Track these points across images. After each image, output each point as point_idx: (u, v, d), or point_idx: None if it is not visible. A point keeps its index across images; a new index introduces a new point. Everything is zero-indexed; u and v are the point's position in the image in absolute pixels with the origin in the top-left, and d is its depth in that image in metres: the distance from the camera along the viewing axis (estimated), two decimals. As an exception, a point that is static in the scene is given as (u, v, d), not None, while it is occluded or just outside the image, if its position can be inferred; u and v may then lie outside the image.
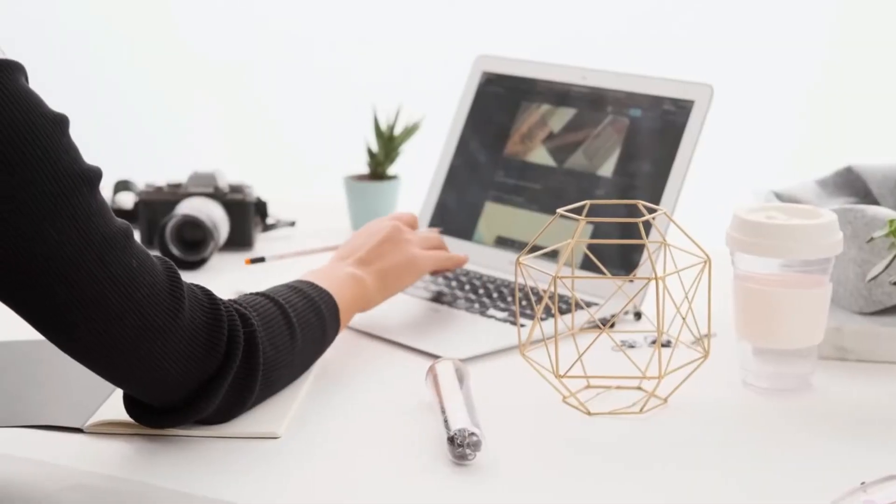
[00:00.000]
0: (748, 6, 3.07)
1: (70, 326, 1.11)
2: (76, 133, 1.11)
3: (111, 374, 1.16)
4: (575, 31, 3.15)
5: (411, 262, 1.51)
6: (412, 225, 1.58)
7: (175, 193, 1.86)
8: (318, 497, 1.13)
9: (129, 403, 1.21)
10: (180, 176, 1.89)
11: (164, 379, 1.16)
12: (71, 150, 1.09)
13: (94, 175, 1.11)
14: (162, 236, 1.78)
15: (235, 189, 1.88)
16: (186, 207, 1.82)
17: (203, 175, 1.88)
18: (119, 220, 1.13)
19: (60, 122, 1.09)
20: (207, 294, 1.20)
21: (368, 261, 1.47)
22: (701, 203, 2.00)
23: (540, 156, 1.74)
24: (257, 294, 1.29)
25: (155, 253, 1.19)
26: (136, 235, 1.87)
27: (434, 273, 1.61)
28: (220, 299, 1.21)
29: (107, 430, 1.23)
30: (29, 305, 1.10)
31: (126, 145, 3.51)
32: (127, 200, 1.93)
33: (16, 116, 1.05)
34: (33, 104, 1.07)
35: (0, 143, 1.04)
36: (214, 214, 1.82)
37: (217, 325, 1.18)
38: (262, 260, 1.57)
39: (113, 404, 1.26)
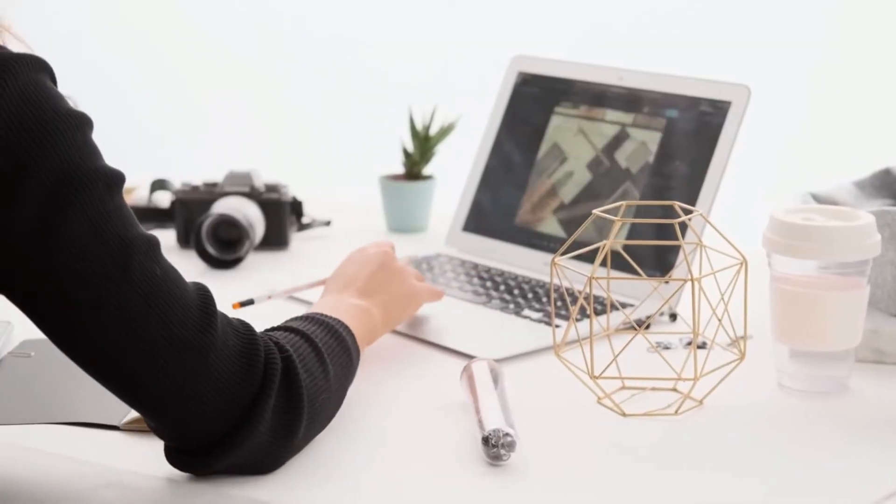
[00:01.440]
0: (758, 4, 3.06)
1: (87, 333, 1.06)
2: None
3: (139, 399, 1.10)
4: (612, 31, 3.15)
5: (411, 294, 1.47)
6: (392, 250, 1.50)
7: (211, 192, 1.87)
8: (353, 496, 1.13)
9: (169, 452, 1.14)
10: (216, 175, 1.90)
11: (194, 405, 1.09)
12: (86, 148, 1.05)
13: (114, 176, 1.07)
14: (198, 235, 1.78)
15: (271, 188, 1.88)
16: (222, 206, 1.83)
17: (239, 174, 1.88)
18: (145, 231, 1.09)
19: (77, 120, 1.05)
20: (243, 323, 1.14)
21: (369, 292, 1.41)
22: (739, 204, 1.99)
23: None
24: (275, 329, 1.23)
25: (193, 281, 1.13)
26: (172, 234, 1.89)
27: None
28: (255, 330, 1.15)
29: (143, 427, 1.23)
30: (41, 309, 1.06)
31: (162, 145, 3.52)
32: (163, 199, 1.94)
33: (25, 110, 1.02)
34: (46, 99, 1.04)
35: (7, 136, 1.02)
36: (250, 214, 1.83)
37: (253, 349, 1.12)
38: (251, 302, 1.49)
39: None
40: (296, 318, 1.27)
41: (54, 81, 1.07)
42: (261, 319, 1.23)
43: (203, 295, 1.11)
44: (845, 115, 3.00)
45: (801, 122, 3.00)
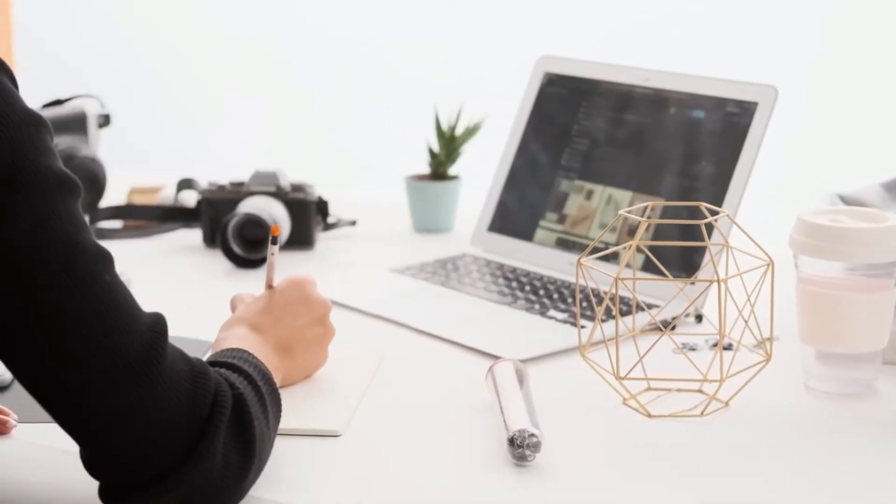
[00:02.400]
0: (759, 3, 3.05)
1: (20, 334, 1.00)
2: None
3: (72, 409, 1.02)
4: (639, 32, 3.14)
5: (318, 364, 1.36)
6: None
7: (237, 192, 1.87)
8: (377, 496, 1.13)
9: (103, 492, 1.06)
10: (242, 175, 1.90)
11: (130, 426, 1.02)
12: (40, 145, 1.01)
13: (68, 180, 1.02)
14: (224, 234, 1.79)
15: (297, 188, 1.89)
16: (248, 206, 1.83)
17: (265, 174, 1.88)
18: (100, 245, 1.03)
19: (33, 118, 1.01)
20: (198, 359, 1.08)
21: (289, 350, 1.30)
22: (766, 205, 1.99)
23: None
24: (224, 365, 1.13)
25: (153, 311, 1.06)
26: (199, 234, 1.89)
27: None
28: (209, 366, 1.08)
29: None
30: None
31: (188, 146, 3.53)
32: (190, 199, 1.95)
33: None
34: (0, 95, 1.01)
35: None
36: (276, 213, 1.83)
37: (202, 379, 1.05)
38: None
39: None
40: (231, 352, 1.17)
41: (14, 83, 1.04)
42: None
43: (156, 317, 1.05)
44: (845, 114, 2.99)
45: (801, 122, 2.99)
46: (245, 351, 1.18)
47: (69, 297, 1.00)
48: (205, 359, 1.16)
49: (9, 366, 1.04)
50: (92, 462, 1.05)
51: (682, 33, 3.07)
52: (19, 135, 1.00)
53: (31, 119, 1.02)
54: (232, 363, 1.13)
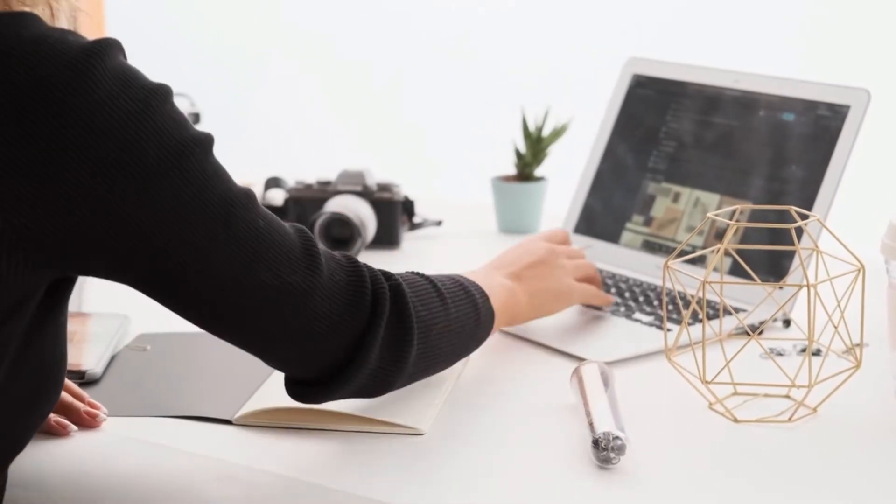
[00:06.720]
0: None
1: (201, 294, 1.10)
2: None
3: (257, 344, 1.15)
4: (722, 33, 3.12)
5: (564, 292, 1.48)
6: (565, 242, 1.54)
7: (324, 191, 1.89)
8: (461, 496, 1.14)
9: (289, 384, 1.20)
10: (330, 174, 1.91)
11: (310, 342, 1.14)
12: (178, 117, 1.07)
13: (206, 139, 1.09)
14: (311, 233, 1.80)
15: (383, 187, 1.89)
16: (335, 205, 1.84)
17: (352, 173, 1.89)
18: (240, 185, 1.11)
19: (164, 92, 1.07)
20: (346, 256, 1.19)
21: (522, 277, 1.44)
22: (856, 210, 1.96)
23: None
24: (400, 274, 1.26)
25: (290, 223, 1.16)
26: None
27: (583, 304, 1.56)
28: (359, 261, 1.20)
29: (255, 422, 1.25)
30: (155, 281, 1.09)
31: (276, 144, 3.56)
32: (277, 197, 1.96)
33: (119, 91, 1.04)
34: (135, 78, 1.06)
35: (106, 118, 1.03)
36: (362, 212, 1.84)
37: (359, 282, 1.17)
38: None
39: (261, 396, 1.28)
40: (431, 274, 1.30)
41: (125, 58, 1.09)
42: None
43: (304, 236, 1.15)
44: None
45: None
46: (455, 274, 1.31)
47: (234, 253, 1.09)
48: None
49: (185, 314, 1.12)
50: (274, 366, 1.19)
51: (779, 36, 3.04)
52: (159, 115, 1.06)
53: (161, 94, 1.07)
54: (419, 272, 1.26)
